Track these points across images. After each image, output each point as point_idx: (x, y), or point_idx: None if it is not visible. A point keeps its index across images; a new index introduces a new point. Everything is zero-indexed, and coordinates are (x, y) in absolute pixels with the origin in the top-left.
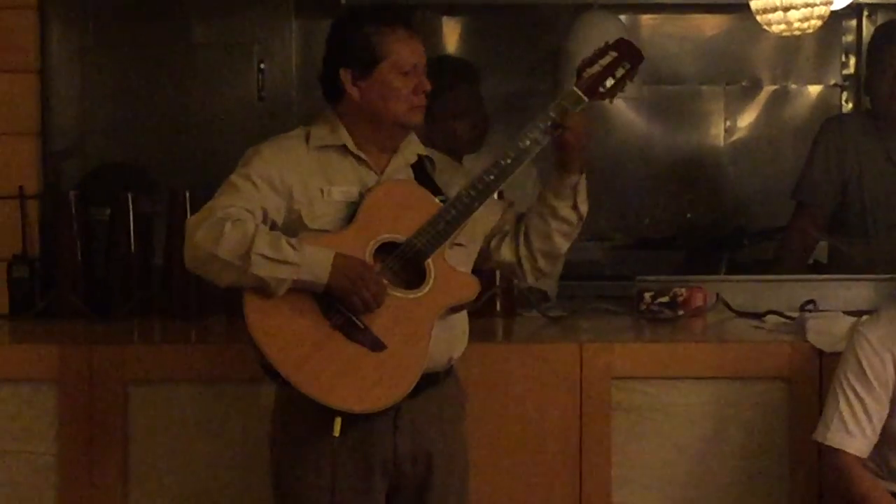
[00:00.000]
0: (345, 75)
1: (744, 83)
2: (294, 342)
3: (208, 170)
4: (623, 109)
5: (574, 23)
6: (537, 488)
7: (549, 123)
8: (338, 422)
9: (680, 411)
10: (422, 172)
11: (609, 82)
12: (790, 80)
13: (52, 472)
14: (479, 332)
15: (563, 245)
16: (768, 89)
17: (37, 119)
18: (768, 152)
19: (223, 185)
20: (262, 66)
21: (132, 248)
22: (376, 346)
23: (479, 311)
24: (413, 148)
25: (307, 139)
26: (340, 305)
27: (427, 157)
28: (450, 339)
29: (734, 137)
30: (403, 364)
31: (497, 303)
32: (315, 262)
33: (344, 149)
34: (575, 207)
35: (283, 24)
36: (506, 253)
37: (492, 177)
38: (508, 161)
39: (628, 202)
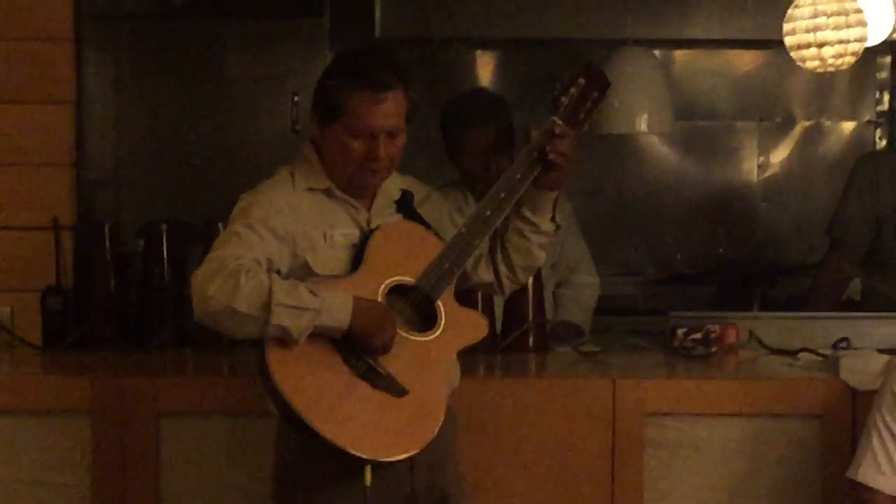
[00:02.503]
0: (313, 116)
1: (777, 119)
2: (320, 394)
3: None
4: (656, 144)
5: (608, 58)
6: None
7: (536, 154)
8: (368, 470)
9: (713, 448)
10: (406, 207)
11: (582, 111)
12: (824, 117)
13: (85, 503)
14: (512, 368)
15: (542, 257)
16: (802, 125)
17: (72, 150)
18: (801, 188)
19: (225, 234)
20: (296, 98)
21: (165, 279)
22: (399, 391)
23: (512, 347)
24: (394, 182)
25: (293, 181)
26: (361, 352)
27: (406, 190)
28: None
29: (767, 173)
30: (426, 407)
31: (530, 338)
32: (335, 306)
33: (329, 192)
34: (553, 219)
35: (316, 56)
36: (483, 273)
37: (489, 212)
38: (503, 195)
39: (661, 237)
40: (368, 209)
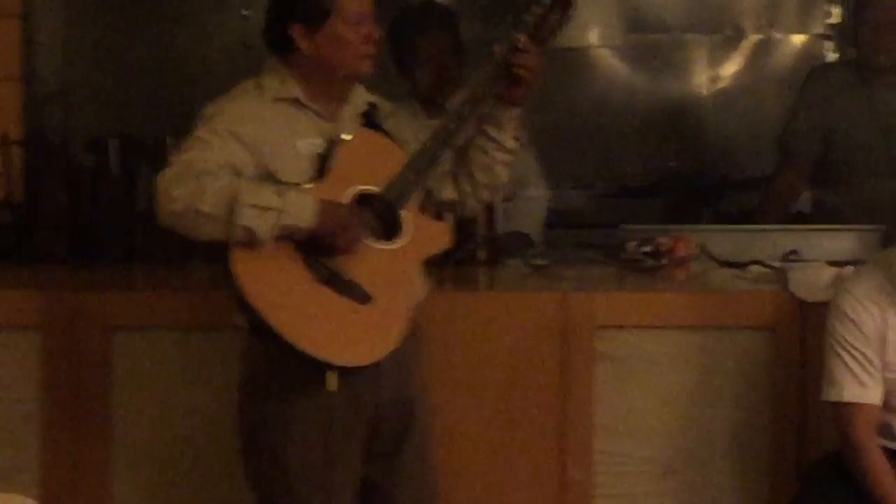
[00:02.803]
0: (296, 30)
1: (728, 32)
2: (284, 299)
3: (193, 115)
4: (607, 57)
5: None
6: (519, 437)
7: (500, 69)
8: (332, 376)
9: (663, 360)
10: (370, 121)
11: (546, 29)
12: (774, 30)
13: (35, 418)
14: (462, 281)
15: (504, 175)
16: (752, 38)
17: (20, 64)
18: (752, 102)
19: (190, 140)
20: (245, 13)
21: (115, 194)
22: (363, 298)
23: (462, 260)
24: (361, 96)
25: (261, 92)
26: (326, 256)
27: (372, 104)
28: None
29: (718, 86)
30: (391, 314)
31: (481, 251)
32: (300, 206)
33: (296, 101)
34: (516, 137)
35: None
36: (447, 191)
37: (453, 125)
38: (467, 109)
39: (612, 150)
40: (334, 120)
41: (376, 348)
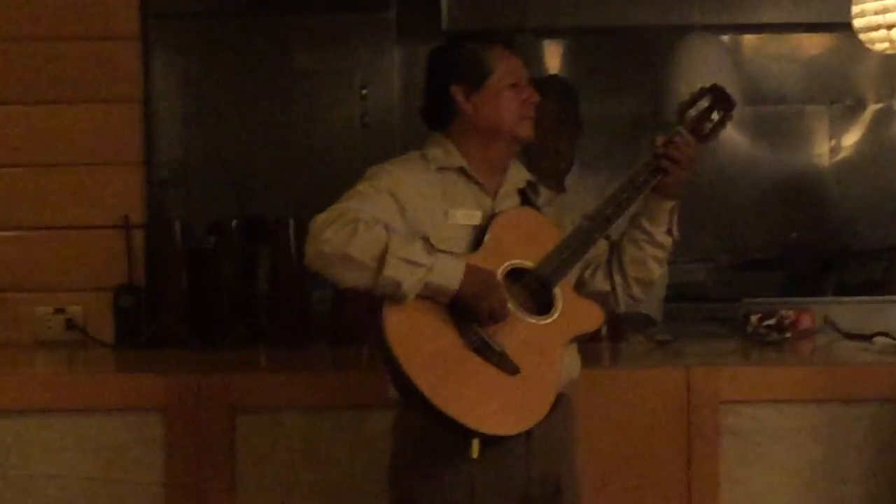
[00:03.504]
0: (456, 91)
1: (848, 102)
2: (433, 362)
3: (311, 196)
4: (727, 129)
5: (676, 44)
6: None
7: (659, 158)
8: (475, 443)
9: (789, 435)
10: (527, 199)
11: (707, 126)
12: (895, 99)
13: (160, 501)
14: (586, 358)
15: (656, 271)
16: (873, 108)
17: (141, 148)
18: (873, 171)
19: (350, 191)
20: (364, 92)
21: (237, 276)
22: (511, 369)
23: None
24: (520, 173)
25: (425, 161)
26: (475, 324)
27: (531, 183)
28: (569, 360)
29: (839, 157)
30: (538, 388)
31: (603, 328)
32: (448, 267)
33: (460, 171)
34: (669, 232)
35: (385, 50)
36: (600, 282)
37: (609, 210)
38: (624, 195)
39: (733, 222)
40: (494, 195)
41: (521, 420)
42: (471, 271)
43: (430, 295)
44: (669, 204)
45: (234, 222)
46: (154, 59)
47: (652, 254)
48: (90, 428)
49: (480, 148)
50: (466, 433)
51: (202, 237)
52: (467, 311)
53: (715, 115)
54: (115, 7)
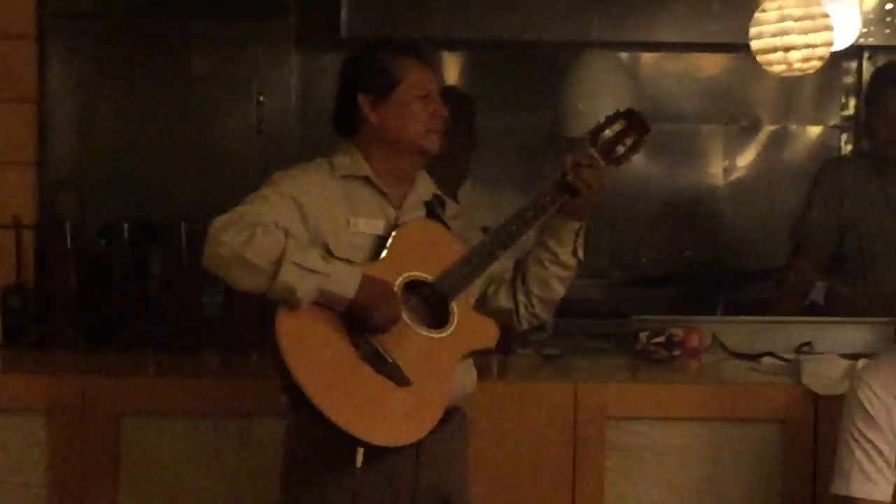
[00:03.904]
0: (363, 100)
1: (743, 123)
2: (323, 369)
3: (205, 201)
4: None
5: (573, 60)
6: None
7: (566, 179)
8: (360, 452)
9: (675, 452)
10: (433, 212)
11: (620, 149)
12: (790, 121)
13: (42, 503)
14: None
15: (559, 291)
16: (768, 129)
17: (34, 149)
18: (767, 192)
19: (252, 195)
20: (261, 98)
21: (127, 278)
22: (402, 381)
23: None
24: (427, 185)
25: (331, 168)
26: (370, 336)
27: (438, 196)
28: (464, 375)
29: (733, 177)
30: (427, 401)
31: None
32: (344, 276)
33: (365, 180)
34: (574, 253)
35: (282, 58)
36: (503, 299)
37: (514, 227)
38: (530, 213)
39: (626, 239)
40: (399, 205)
41: (408, 432)
42: (367, 281)
43: (325, 302)
44: (576, 224)
45: (125, 225)
46: (50, 59)
47: (556, 273)
48: None
49: (386, 158)
50: (352, 441)
51: (93, 239)
52: (361, 321)
53: (628, 140)
54: (11, 6)
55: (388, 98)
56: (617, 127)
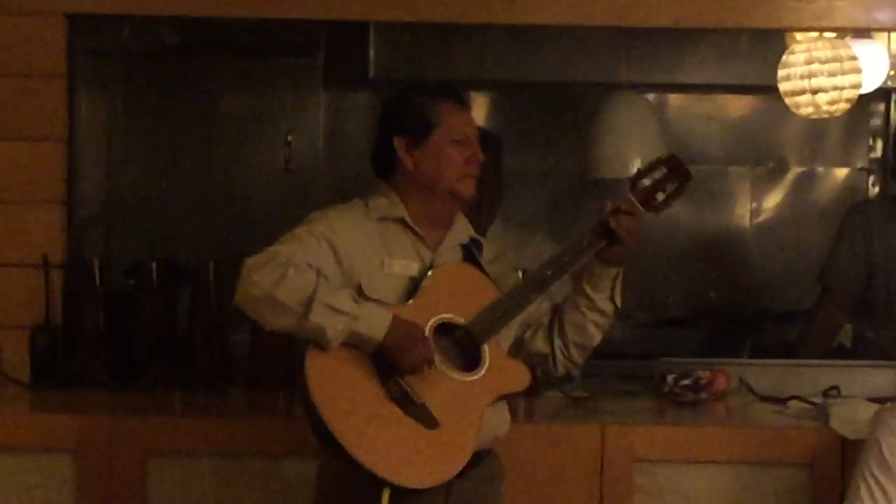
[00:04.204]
0: (399, 143)
1: (770, 165)
2: (352, 409)
3: (234, 240)
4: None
5: (601, 102)
6: None
7: (605, 226)
8: (386, 493)
9: (701, 496)
10: (470, 255)
11: (660, 196)
12: (817, 163)
13: None
14: None
15: (596, 337)
16: (795, 171)
17: (63, 187)
18: (794, 234)
19: (286, 235)
20: (289, 138)
21: (155, 317)
22: (431, 423)
23: None
24: (465, 228)
25: (367, 210)
26: (400, 377)
27: (476, 239)
28: (496, 418)
29: (760, 219)
30: (456, 444)
31: None
32: (374, 318)
33: (402, 222)
34: (612, 299)
35: (311, 97)
36: (540, 344)
37: (549, 272)
38: (566, 258)
39: (653, 281)
40: (435, 248)
41: (435, 474)
42: (397, 323)
43: (354, 343)
44: (613, 271)
45: (153, 264)
46: (79, 98)
47: (593, 319)
48: (1, 468)
49: (422, 201)
50: (378, 483)
51: (121, 278)
52: (391, 363)
53: (669, 186)
54: (41, 44)
55: (423, 142)
56: (657, 174)
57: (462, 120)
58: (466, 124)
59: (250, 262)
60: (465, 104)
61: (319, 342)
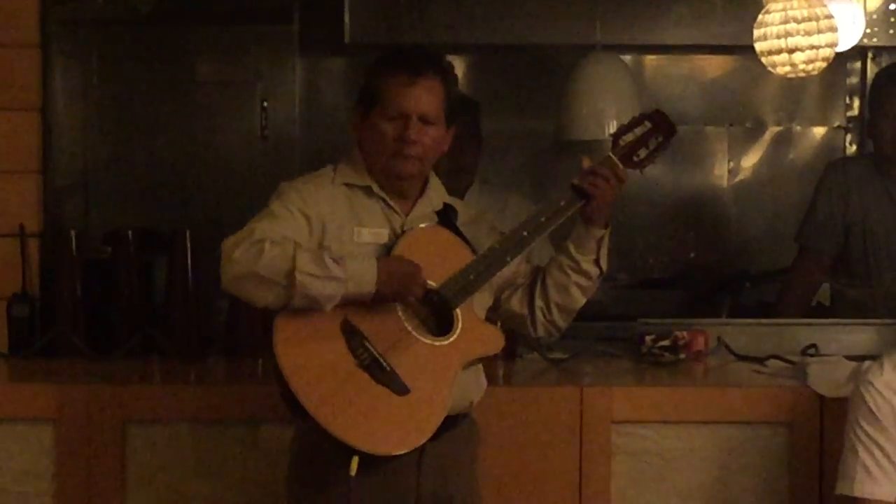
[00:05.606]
0: (354, 114)
1: (748, 124)
2: (320, 378)
3: (210, 207)
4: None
5: (577, 64)
6: None
7: (584, 184)
8: (354, 460)
9: (680, 456)
10: (446, 220)
11: (642, 152)
12: (794, 122)
13: None
14: None
15: (579, 299)
16: (772, 131)
17: (38, 157)
18: (772, 194)
19: (261, 212)
20: (265, 104)
21: (132, 286)
22: (401, 389)
23: None
24: (439, 194)
25: (333, 176)
26: (369, 343)
27: (450, 205)
28: (470, 382)
29: (738, 178)
30: (425, 410)
31: None
32: (360, 272)
33: (369, 190)
34: (597, 262)
35: (286, 63)
36: (516, 305)
37: (526, 233)
38: (543, 218)
39: (632, 242)
40: (407, 214)
41: (403, 441)
42: (385, 265)
43: (350, 301)
44: (599, 232)
45: (129, 232)
46: (53, 67)
47: (576, 281)
48: None
49: (380, 172)
50: (347, 450)
51: (98, 247)
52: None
53: (653, 142)
54: (14, 14)
55: (368, 115)
56: (640, 129)
57: (402, 94)
58: (406, 98)
59: (228, 242)
60: (415, 75)
61: (314, 309)
